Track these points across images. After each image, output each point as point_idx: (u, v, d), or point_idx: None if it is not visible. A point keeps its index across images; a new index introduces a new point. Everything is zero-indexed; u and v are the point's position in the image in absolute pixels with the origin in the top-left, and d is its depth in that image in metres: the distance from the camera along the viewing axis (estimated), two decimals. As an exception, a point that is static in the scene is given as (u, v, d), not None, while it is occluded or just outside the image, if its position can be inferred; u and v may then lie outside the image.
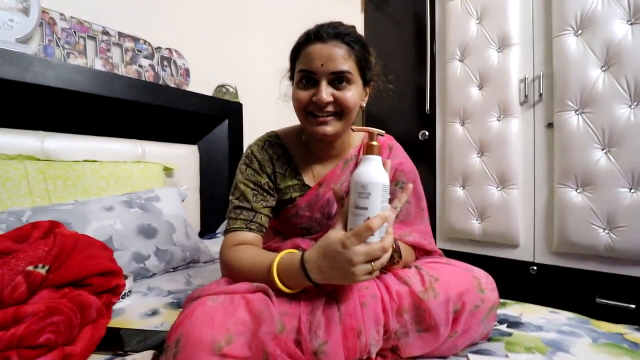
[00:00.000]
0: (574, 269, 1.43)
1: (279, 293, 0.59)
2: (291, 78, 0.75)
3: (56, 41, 1.21)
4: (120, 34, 1.39)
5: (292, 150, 0.79)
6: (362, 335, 0.58)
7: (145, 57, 1.46)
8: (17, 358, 0.54)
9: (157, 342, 0.64)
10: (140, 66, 1.44)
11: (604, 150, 1.34)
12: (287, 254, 0.61)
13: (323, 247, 0.55)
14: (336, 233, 0.55)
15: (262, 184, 0.75)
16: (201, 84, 1.65)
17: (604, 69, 1.34)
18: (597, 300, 1.38)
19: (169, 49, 1.55)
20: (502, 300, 0.87)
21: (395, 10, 2.08)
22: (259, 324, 0.50)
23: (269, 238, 0.84)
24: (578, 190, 1.39)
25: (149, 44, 1.48)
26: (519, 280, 1.56)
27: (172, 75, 1.55)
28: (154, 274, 1.06)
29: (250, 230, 0.71)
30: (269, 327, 0.50)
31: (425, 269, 0.67)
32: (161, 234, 1.08)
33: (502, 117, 1.59)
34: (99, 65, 1.30)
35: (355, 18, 2.32)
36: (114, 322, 0.74)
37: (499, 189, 1.60)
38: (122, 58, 1.40)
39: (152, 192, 1.21)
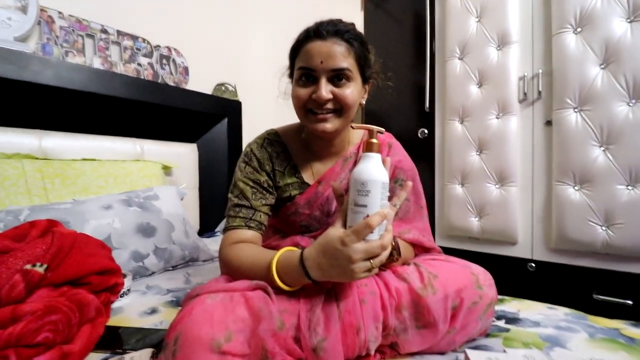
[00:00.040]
0: (571, 265, 1.44)
1: (279, 291, 0.59)
2: (290, 76, 0.75)
3: (54, 39, 1.21)
4: (119, 32, 1.38)
5: (292, 148, 0.79)
6: (361, 332, 0.58)
7: (144, 55, 1.46)
8: (16, 357, 0.54)
9: (156, 340, 0.64)
10: (139, 64, 1.44)
11: (602, 148, 1.34)
12: (287, 252, 0.61)
13: (322, 244, 0.55)
14: (335, 230, 0.55)
15: (261, 182, 0.75)
16: (200, 83, 1.65)
17: (602, 66, 1.34)
18: (594, 296, 1.38)
19: (168, 47, 1.55)
20: (500, 297, 0.87)
21: (395, 8, 2.08)
22: (258, 322, 0.50)
23: (268, 236, 0.84)
24: (576, 188, 1.40)
25: (148, 42, 1.47)
26: (517, 277, 1.57)
27: (171, 73, 1.55)
28: (153, 273, 1.06)
29: (250, 228, 0.71)
30: (268, 324, 0.50)
31: (424, 266, 0.67)
32: (160, 233, 1.08)
33: (501, 115, 1.59)
34: (97, 63, 1.30)
35: (354, 16, 2.31)
36: (113, 321, 0.74)
37: (497, 186, 1.61)
38: (120, 56, 1.39)
39: (151, 190, 1.21)
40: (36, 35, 1.18)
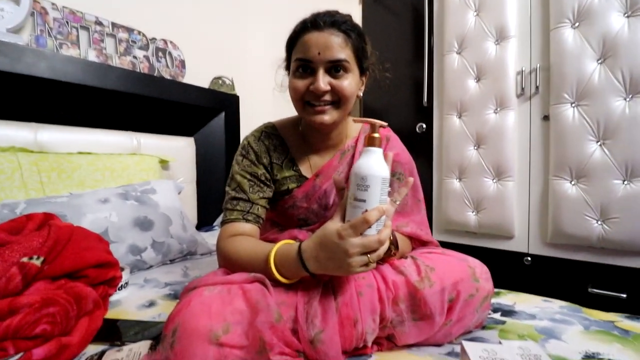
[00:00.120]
0: (567, 259, 1.45)
1: (276, 283, 0.59)
2: (287, 68, 0.75)
3: (48, 31, 1.19)
4: (113, 25, 1.36)
5: (289, 141, 0.79)
6: (358, 324, 0.58)
7: (140, 48, 1.44)
8: (14, 348, 0.54)
9: (154, 333, 0.65)
10: (135, 57, 1.42)
11: (599, 143, 1.35)
12: (285, 245, 0.61)
13: (320, 237, 0.55)
14: (334, 224, 0.55)
15: (258, 175, 0.75)
16: (197, 76, 1.64)
17: (600, 61, 1.34)
18: (590, 290, 1.40)
19: (164, 40, 1.53)
20: (496, 290, 0.88)
21: (393, 2, 2.06)
22: (256, 314, 0.51)
23: (266, 229, 0.84)
24: (572, 182, 1.40)
25: (144, 35, 1.46)
26: (513, 271, 1.58)
27: (167, 66, 1.53)
28: (151, 266, 1.06)
29: (247, 221, 0.71)
30: (266, 316, 0.50)
31: (421, 259, 0.67)
32: (157, 227, 1.08)
33: (498, 109, 1.59)
34: (92, 56, 1.28)
35: (352, 10, 2.30)
36: (111, 314, 0.74)
37: (494, 181, 1.61)
38: (116, 49, 1.38)
39: (148, 184, 1.20)
40: (29, 26, 1.17)
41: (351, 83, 0.68)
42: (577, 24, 1.38)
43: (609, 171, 1.32)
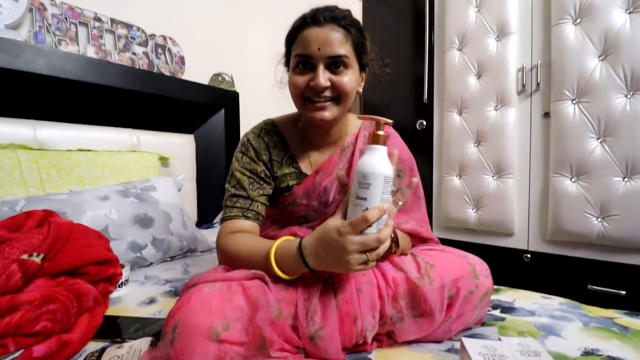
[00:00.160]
0: (566, 256, 1.46)
1: (276, 280, 0.59)
2: (287, 64, 0.74)
3: (47, 27, 1.18)
4: (112, 21, 1.36)
5: (289, 138, 0.79)
6: (358, 321, 0.58)
7: (139, 44, 1.43)
8: (14, 345, 0.54)
9: (155, 329, 0.65)
10: (134, 54, 1.41)
11: (599, 140, 1.35)
12: (285, 241, 0.61)
13: (320, 233, 0.55)
14: (334, 221, 0.55)
15: (258, 172, 0.75)
16: (196, 73, 1.63)
17: (601, 58, 1.34)
18: (589, 286, 1.40)
19: (164, 37, 1.52)
20: (496, 287, 0.88)
21: (393, -3, 2.05)
22: (256, 310, 0.51)
23: (266, 227, 0.84)
24: (573, 180, 1.40)
25: (143, 31, 1.45)
26: (513, 268, 1.59)
27: (166, 63, 1.53)
28: (151, 263, 1.06)
29: (247, 218, 0.71)
30: (265, 313, 0.51)
31: (421, 256, 0.67)
32: (158, 224, 1.08)
33: (499, 106, 1.59)
34: (91, 52, 1.28)
35: (352, 6, 2.28)
36: (112, 311, 0.75)
37: (495, 178, 1.61)
38: (115, 45, 1.37)
39: (147, 181, 1.20)
40: (28, 23, 1.16)
41: (351, 79, 0.67)
42: (578, 20, 1.37)
43: (609, 168, 1.32)
